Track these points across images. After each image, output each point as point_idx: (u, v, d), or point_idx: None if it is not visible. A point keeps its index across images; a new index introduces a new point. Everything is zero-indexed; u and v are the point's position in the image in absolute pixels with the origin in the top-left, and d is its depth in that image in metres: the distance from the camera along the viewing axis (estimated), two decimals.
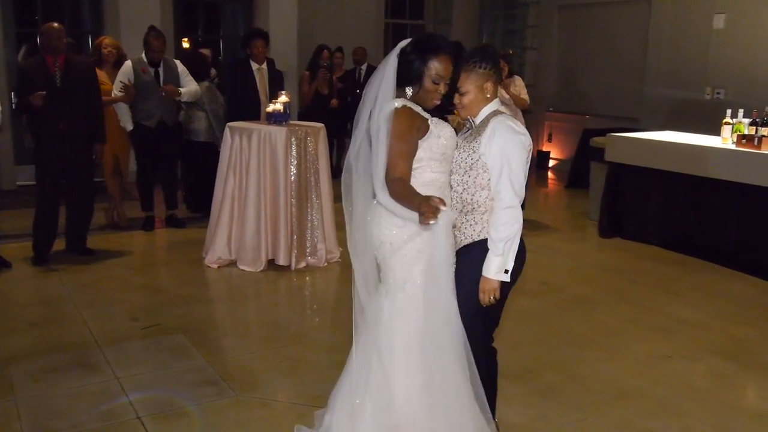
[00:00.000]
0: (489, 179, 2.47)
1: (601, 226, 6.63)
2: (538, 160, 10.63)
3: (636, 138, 6.56)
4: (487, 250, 2.46)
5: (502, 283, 2.49)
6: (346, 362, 2.67)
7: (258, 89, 6.45)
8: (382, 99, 2.40)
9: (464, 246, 2.55)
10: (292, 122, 5.67)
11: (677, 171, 6.00)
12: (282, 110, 5.45)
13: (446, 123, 2.54)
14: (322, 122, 5.72)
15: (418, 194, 2.29)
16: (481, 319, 2.59)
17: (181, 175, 7.07)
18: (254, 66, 6.46)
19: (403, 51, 2.43)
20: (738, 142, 5.69)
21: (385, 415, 2.47)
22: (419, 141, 2.43)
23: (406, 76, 2.41)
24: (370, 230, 2.50)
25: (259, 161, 5.24)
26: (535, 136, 10.96)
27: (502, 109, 2.59)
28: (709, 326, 4.42)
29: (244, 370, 3.63)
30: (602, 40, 9.49)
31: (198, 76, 6.51)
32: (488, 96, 2.53)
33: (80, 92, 5.21)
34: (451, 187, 2.56)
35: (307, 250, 5.42)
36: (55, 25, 5.15)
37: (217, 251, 5.39)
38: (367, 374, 2.51)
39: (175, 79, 6.15)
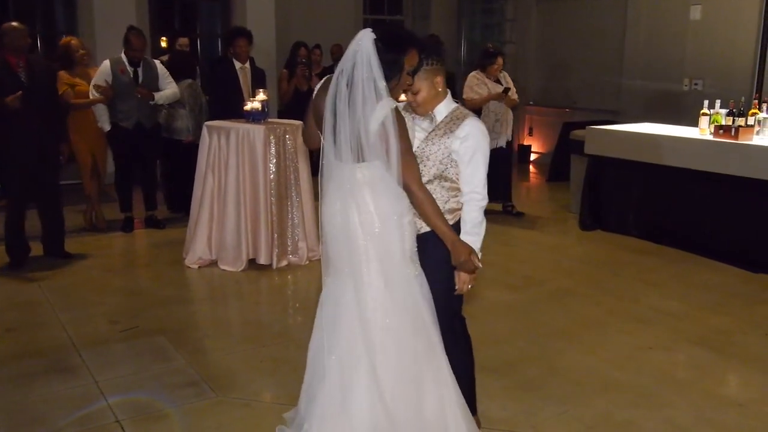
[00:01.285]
0: (456, 173, 2.60)
1: (582, 218, 6.66)
2: (519, 154, 10.65)
3: (615, 130, 6.60)
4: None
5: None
6: (308, 360, 2.65)
7: (242, 88, 6.41)
8: (374, 96, 2.32)
9: (426, 233, 2.60)
10: (270, 120, 5.64)
11: (656, 162, 6.03)
12: (260, 108, 5.41)
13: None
14: (301, 120, 5.67)
15: (448, 224, 2.48)
16: (450, 303, 2.68)
17: (161, 175, 7.01)
18: (237, 65, 6.43)
19: (377, 46, 2.36)
20: (715, 133, 5.73)
21: (365, 416, 2.45)
22: None
23: (385, 73, 2.38)
24: (348, 222, 2.46)
25: (237, 160, 5.20)
26: (516, 130, 10.97)
27: (462, 107, 2.67)
28: (689, 316, 4.45)
29: (225, 371, 3.60)
30: (580, 33, 9.53)
31: (182, 75, 6.51)
32: (440, 90, 2.61)
33: (45, 91, 5.16)
34: None
35: (289, 249, 5.39)
36: (16, 24, 5.08)
37: (197, 251, 5.34)
38: (342, 373, 2.48)
39: (154, 80, 6.10)
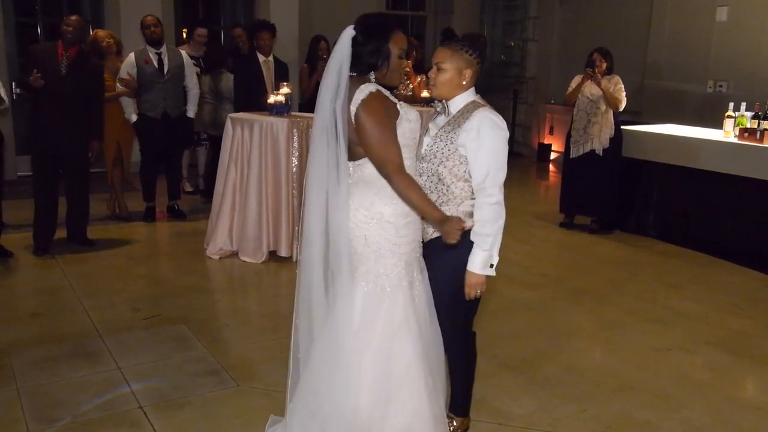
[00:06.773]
0: (465, 170, 2.48)
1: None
2: (540, 153, 10.62)
3: (636, 131, 6.55)
4: (461, 241, 2.44)
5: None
6: (291, 365, 2.66)
7: (265, 81, 6.46)
8: (343, 85, 2.36)
9: (433, 239, 2.55)
10: (293, 114, 5.67)
11: (678, 164, 6.00)
12: (283, 101, 5.45)
13: (410, 106, 2.54)
14: None
15: (435, 206, 2.36)
16: (459, 309, 2.60)
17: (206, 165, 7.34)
18: (261, 58, 6.47)
19: (356, 40, 2.38)
20: (740, 136, 5.68)
21: (345, 421, 2.44)
22: None
23: (370, 61, 2.39)
24: (339, 221, 2.42)
25: (260, 152, 5.24)
26: (537, 129, 10.95)
27: (479, 100, 2.56)
28: (708, 319, 4.43)
29: (245, 360, 3.65)
30: (604, 32, 9.44)
31: (219, 66, 6.77)
32: (464, 83, 2.53)
33: (83, 87, 5.21)
34: (420, 175, 2.54)
35: None
36: (73, 17, 5.22)
37: (218, 242, 5.40)
38: (328, 376, 2.47)
39: (180, 69, 6.18)
